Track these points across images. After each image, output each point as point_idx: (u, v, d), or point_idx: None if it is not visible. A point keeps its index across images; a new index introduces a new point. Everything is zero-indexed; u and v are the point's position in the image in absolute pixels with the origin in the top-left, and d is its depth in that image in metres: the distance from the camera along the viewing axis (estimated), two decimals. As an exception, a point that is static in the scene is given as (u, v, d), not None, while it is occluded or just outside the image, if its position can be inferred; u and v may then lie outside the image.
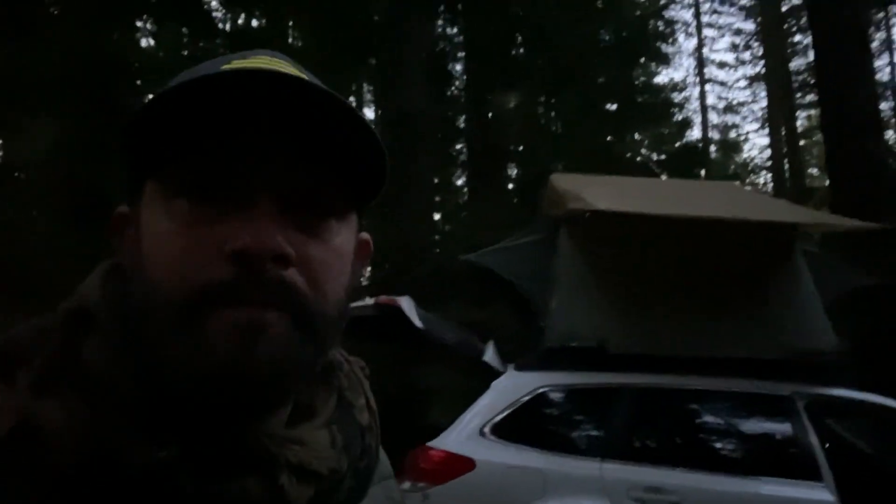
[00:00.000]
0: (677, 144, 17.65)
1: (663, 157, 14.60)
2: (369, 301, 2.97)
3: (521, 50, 12.02)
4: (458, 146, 11.83)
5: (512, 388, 2.94)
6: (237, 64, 0.47)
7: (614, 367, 2.97)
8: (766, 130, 19.19)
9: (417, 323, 2.83)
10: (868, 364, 3.45)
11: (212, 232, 0.44)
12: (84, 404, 0.43)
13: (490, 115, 11.09)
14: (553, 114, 13.02)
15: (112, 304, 0.48)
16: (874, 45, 15.81)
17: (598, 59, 12.79)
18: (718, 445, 3.06)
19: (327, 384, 0.53)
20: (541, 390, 2.92)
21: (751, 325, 3.00)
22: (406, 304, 2.91)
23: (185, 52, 7.57)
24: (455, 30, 11.58)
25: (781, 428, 2.92)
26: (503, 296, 3.65)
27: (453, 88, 11.78)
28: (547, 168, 9.47)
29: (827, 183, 7.83)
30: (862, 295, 3.42)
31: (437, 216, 11.14)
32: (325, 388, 0.53)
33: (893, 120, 13.19)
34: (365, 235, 0.53)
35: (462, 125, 11.69)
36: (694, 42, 20.88)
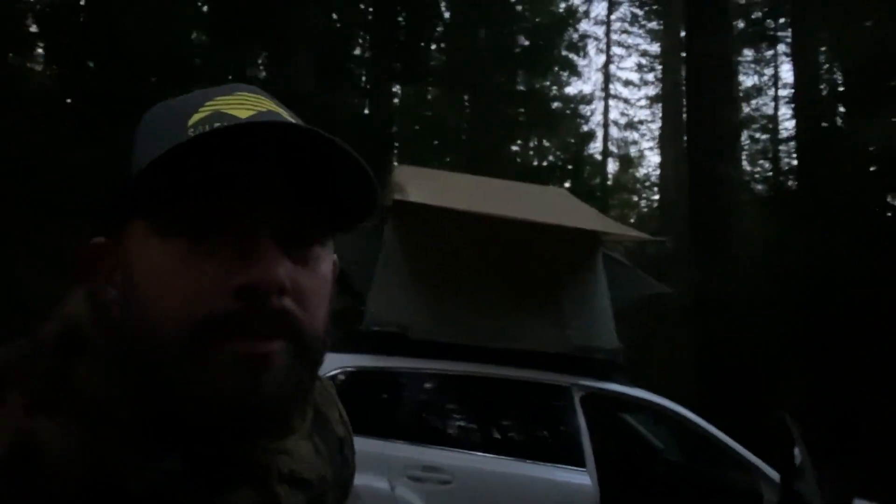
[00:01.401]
0: (585, 152, 18.43)
1: (559, 163, 15.12)
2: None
3: (425, 45, 12.12)
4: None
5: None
6: (220, 102, 0.50)
7: (415, 354, 3.11)
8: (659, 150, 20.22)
9: None
10: (647, 364, 3.75)
11: (213, 268, 0.45)
12: (80, 424, 0.44)
13: (383, 106, 11.12)
14: (449, 111, 13.14)
15: (101, 330, 0.49)
16: (762, 78, 17.08)
17: (505, 62, 13.10)
18: (496, 429, 3.27)
19: (304, 401, 0.55)
20: (337, 371, 3.00)
21: (543, 322, 3.22)
22: None
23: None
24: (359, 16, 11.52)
25: (556, 416, 3.16)
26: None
27: (360, 77, 11.74)
28: (433, 164, 9.64)
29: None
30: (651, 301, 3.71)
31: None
32: (302, 404, 0.55)
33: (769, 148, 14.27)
34: (335, 256, 0.55)
35: (362, 113, 11.68)
36: (603, 58, 21.75)
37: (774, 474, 3.01)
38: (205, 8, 9.53)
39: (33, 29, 7.38)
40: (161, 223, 0.47)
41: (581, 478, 2.94)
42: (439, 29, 12.08)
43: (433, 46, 12.60)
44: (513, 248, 3.29)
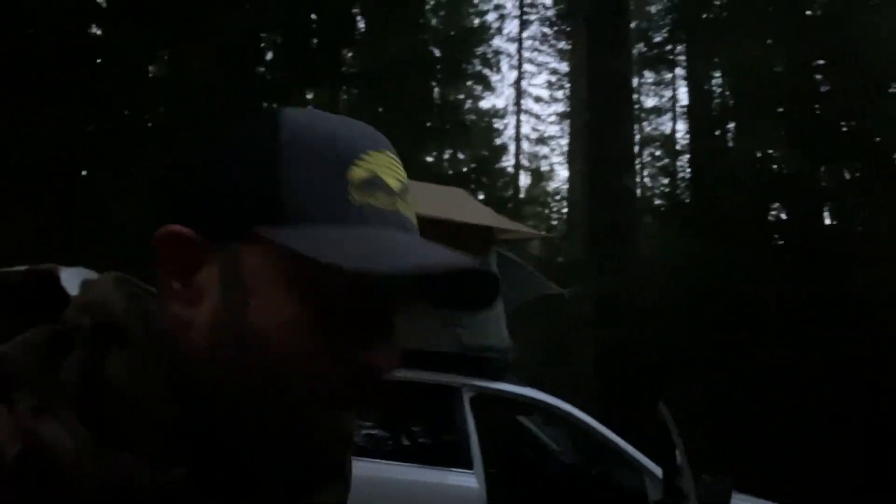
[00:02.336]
0: (498, 165, 18.72)
1: (472, 174, 15.25)
2: (21, 268, 2.64)
3: (338, 49, 11.93)
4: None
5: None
6: (375, 162, 0.48)
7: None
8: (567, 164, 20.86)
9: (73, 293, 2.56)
10: (554, 367, 3.74)
11: (345, 338, 0.46)
12: (88, 426, 0.43)
13: (289, 105, 10.81)
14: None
15: (142, 326, 0.47)
16: (662, 99, 17.99)
17: (419, 71, 13.10)
18: (380, 433, 3.13)
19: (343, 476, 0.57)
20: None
21: (433, 321, 3.12)
22: (68, 274, 2.62)
23: None
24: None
25: (445, 418, 3.06)
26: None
27: (270, 80, 11.36)
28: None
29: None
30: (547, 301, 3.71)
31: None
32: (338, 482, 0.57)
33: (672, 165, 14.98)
34: None
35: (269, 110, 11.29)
36: (515, 74, 22.26)
37: (659, 472, 3.03)
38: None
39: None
40: (299, 269, 0.44)
41: (468, 480, 2.85)
42: (354, 34, 11.93)
43: (347, 52, 12.44)
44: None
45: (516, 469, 3.50)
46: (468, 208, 3.60)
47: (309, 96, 13.39)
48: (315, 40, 10.74)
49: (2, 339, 0.47)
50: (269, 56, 11.79)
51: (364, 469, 2.80)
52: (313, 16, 11.05)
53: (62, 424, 0.43)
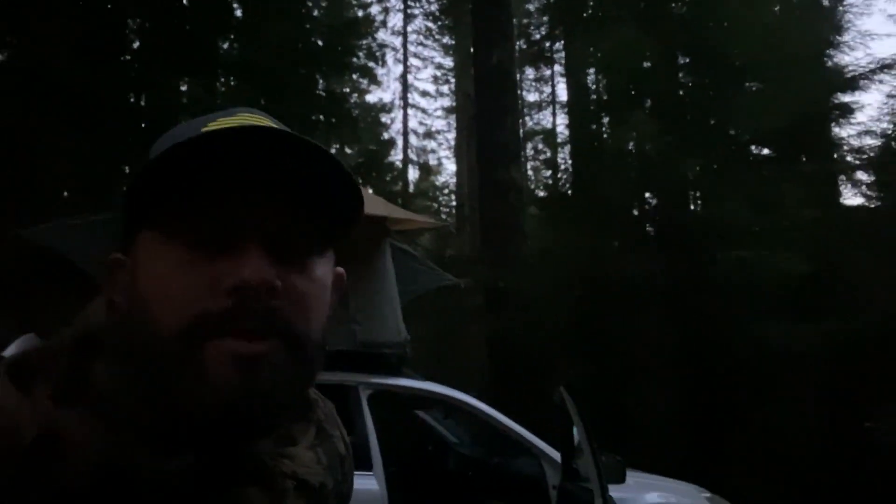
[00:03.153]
0: (387, 159, 18.58)
1: (360, 168, 15.01)
2: None
3: (214, 37, 11.29)
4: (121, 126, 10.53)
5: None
6: (221, 123, 0.52)
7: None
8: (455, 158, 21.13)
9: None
10: (447, 359, 3.71)
11: (207, 271, 0.48)
12: (98, 419, 0.47)
13: (165, 100, 10.10)
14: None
15: (113, 333, 0.52)
16: (542, 95, 18.61)
17: (301, 61, 12.67)
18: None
19: (306, 418, 0.60)
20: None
21: (328, 319, 2.98)
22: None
23: None
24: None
25: (343, 419, 2.93)
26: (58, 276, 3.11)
27: (128, 62, 10.52)
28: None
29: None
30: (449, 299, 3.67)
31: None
32: (303, 422, 0.59)
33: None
34: (339, 269, 0.58)
35: (137, 104, 10.49)
36: (401, 68, 22.18)
37: (557, 456, 3.08)
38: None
39: None
40: (163, 232, 0.50)
41: (367, 482, 2.74)
42: (230, 20, 11.32)
43: (224, 41, 11.81)
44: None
45: (416, 465, 3.43)
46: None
47: (183, 88, 12.59)
48: (188, 27, 10.08)
49: None
50: (136, 45, 10.96)
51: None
52: (185, 1, 10.39)
53: (76, 415, 0.47)
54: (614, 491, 2.83)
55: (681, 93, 8.34)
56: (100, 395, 0.49)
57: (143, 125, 9.96)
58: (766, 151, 8.53)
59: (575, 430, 2.76)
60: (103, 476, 0.46)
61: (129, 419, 0.48)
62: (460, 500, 3.61)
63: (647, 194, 9.01)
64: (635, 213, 9.13)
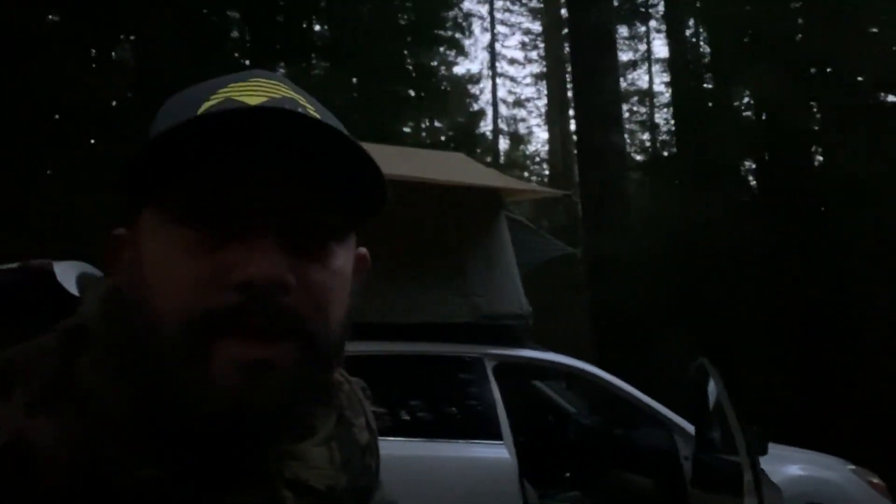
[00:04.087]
0: (477, 130, 18.53)
1: (451, 142, 15.05)
2: (13, 265, 2.47)
3: (307, 22, 11.57)
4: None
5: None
6: (234, 89, 0.48)
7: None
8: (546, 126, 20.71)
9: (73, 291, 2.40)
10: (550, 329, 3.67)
11: (215, 259, 0.44)
12: (77, 422, 0.44)
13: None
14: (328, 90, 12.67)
15: (111, 324, 0.48)
16: (637, 54, 17.85)
17: (390, 38, 12.78)
18: (408, 410, 3.03)
19: (327, 404, 0.54)
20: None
21: (448, 291, 3.00)
22: (63, 268, 2.45)
23: None
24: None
25: (469, 390, 2.97)
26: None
27: (230, 52, 10.99)
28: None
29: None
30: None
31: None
32: (324, 408, 0.54)
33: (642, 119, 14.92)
34: (362, 250, 0.54)
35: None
36: (488, 37, 21.89)
37: (689, 427, 2.99)
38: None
39: None
40: (169, 211, 0.46)
41: (499, 451, 2.77)
42: (320, 4, 11.56)
43: (315, 25, 12.08)
44: (410, 212, 3.03)
45: (540, 436, 3.43)
46: (471, 171, 3.46)
47: (280, 73, 13.03)
48: (281, 16, 10.38)
49: (2, 340, 0.48)
50: (235, 34, 11.41)
51: (392, 448, 2.71)
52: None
53: (52, 422, 0.43)
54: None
55: (798, 38, 7.71)
56: (82, 395, 0.45)
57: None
58: (892, 98, 7.78)
59: (711, 399, 2.65)
60: (78, 484, 0.42)
61: (112, 420, 0.44)
62: (586, 469, 3.59)
63: (761, 152, 8.48)
64: (743, 173, 8.62)
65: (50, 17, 8.56)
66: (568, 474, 3.62)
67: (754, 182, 8.86)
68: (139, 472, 0.43)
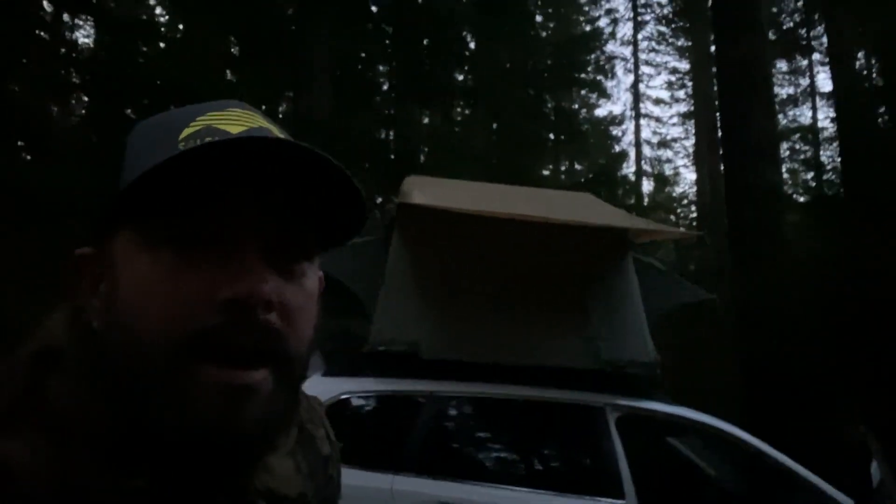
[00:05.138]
0: (619, 172, 18.12)
1: (590, 182, 14.78)
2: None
3: (449, 68, 12.02)
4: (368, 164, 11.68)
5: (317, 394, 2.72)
6: (213, 118, 0.49)
7: (427, 375, 2.79)
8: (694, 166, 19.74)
9: None
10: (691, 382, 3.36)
11: (200, 281, 0.44)
12: (50, 442, 0.43)
13: (409, 131, 10.99)
14: (468, 133, 13.00)
15: (80, 344, 0.48)
16: (798, 89, 16.57)
17: (529, 81, 12.94)
18: (521, 458, 2.89)
19: (288, 421, 0.55)
20: (343, 396, 2.70)
21: (570, 334, 2.87)
22: None
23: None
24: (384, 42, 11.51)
25: (589, 441, 2.78)
26: (338, 300, 3.44)
27: (379, 102, 11.68)
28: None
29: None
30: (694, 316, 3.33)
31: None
32: (286, 424, 0.54)
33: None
34: (320, 273, 0.54)
35: (386, 139, 11.57)
36: (632, 78, 21.46)
37: (846, 501, 2.58)
38: (234, 49, 9.65)
39: (75, 79, 7.54)
40: (150, 234, 0.46)
41: (620, 511, 2.55)
42: (464, 52, 12.00)
43: (457, 71, 12.54)
44: (533, 253, 2.96)
45: (670, 497, 3.13)
46: (598, 211, 3.33)
47: (425, 121, 13.61)
48: (427, 63, 10.88)
49: None
50: (385, 86, 12.12)
51: (505, 498, 2.60)
52: (425, 41, 11.21)
53: (22, 442, 0.43)
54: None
55: None
56: (53, 415, 0.45)
57: (391, 157, 10.97)
58: None
59: (874, 473, 2.28)
60: (58, 501, 0.42)
61: (86, 439, 0.44)
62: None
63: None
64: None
65: (227, 75, 9.67)
66: (704, 544, 3.27)
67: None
68: (117, 487, 0.43)
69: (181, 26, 10.41)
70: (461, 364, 2.80)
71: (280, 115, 10.58)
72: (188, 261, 0.45)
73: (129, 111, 7.45)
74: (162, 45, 8.76)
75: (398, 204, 2.96)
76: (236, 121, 0.50)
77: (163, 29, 10.27)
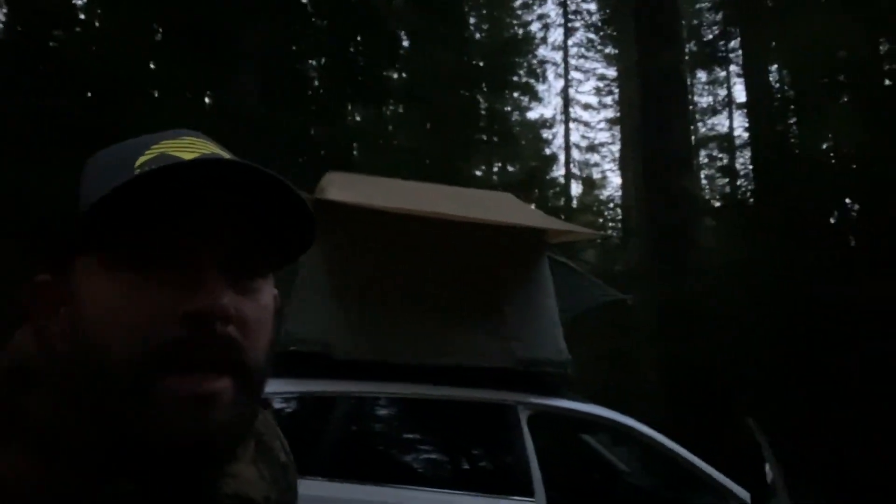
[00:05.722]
0: (549, 175, 18.45)
1: (521, 183, 14.98)
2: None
3: (383, 67, 11.93)
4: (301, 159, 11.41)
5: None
6: (167, 145, 0.52)
7: (339, 375, 2.72)
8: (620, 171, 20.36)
9: None
10: (616, 382, 3.44)
11: (160, 297, 0.47)
12: (36, 455, 0.46)
13: (339, 128, 10.83)
14: (401, 133, 12.95)
15: (49, 363, 0.50)
16: (717, 98, 17.35)
17: (464, 83, 13.00)
18: (433, 458, 2.88)
19: (248, 431, 0.56)
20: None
21: (484, 334, 2.87)
22: None
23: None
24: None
25: (500, 440, 2.79)
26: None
27: (310, 97, 11.45)
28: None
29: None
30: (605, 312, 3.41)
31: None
32: (245, 434, 0.56)
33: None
34: (275, 290, 0.56)
35: (316, 135, 11.36)
36: (562, 83, 21.93)
37: (745, 494, 2.69)
38: (157, 35, 9.23)
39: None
40: (109, 257, 0.48)
41: (529, 509, 2.57)
42: (398, 52, 11.92)
43: (391, 69, 12.46)
44: (448, 252, 2.95)
45: (582, 493, 3.17)
46: (516, 211, 3.35)
47: (358, 118, 13.46)
48: (361, 60, 10.75)
49: None
50: (316, 82, 11.90)
51: (414, 499, 2.57)
52: (359, 37, 11.08)
53: (8, 454, 0.45)
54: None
55: (886, 83, 7.22)
56: (35, 430, 0.47)
57: (321, 153, 10.77)
58: None
59: (767, 467, 2.38)
60: None
61: (67, 451, 0.47)
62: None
63: (848, 200, 7.91)
64: (832, 221, 8.04)
65: (151, 65, 9.26)
66: (613, 539, 3.34)
67: (844, 232, 8.25)
68: (106, 494, 0.45)
69: (99, 11, 9.90)
70: (375, 364, 2.75)
71: (206, 107, 10.22)
72: (149, 280, 0.47)
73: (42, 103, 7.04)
74: (78, 29, 8.30)
75: (314, 200, 2.88)
76: (189, 147, 0.52)
77: (81, 15, 9.73)
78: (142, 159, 0.50)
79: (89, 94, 7.52)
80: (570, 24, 20.47)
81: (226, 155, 0.53)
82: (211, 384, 0.47)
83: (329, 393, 2.68)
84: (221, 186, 0.49)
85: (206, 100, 10.72)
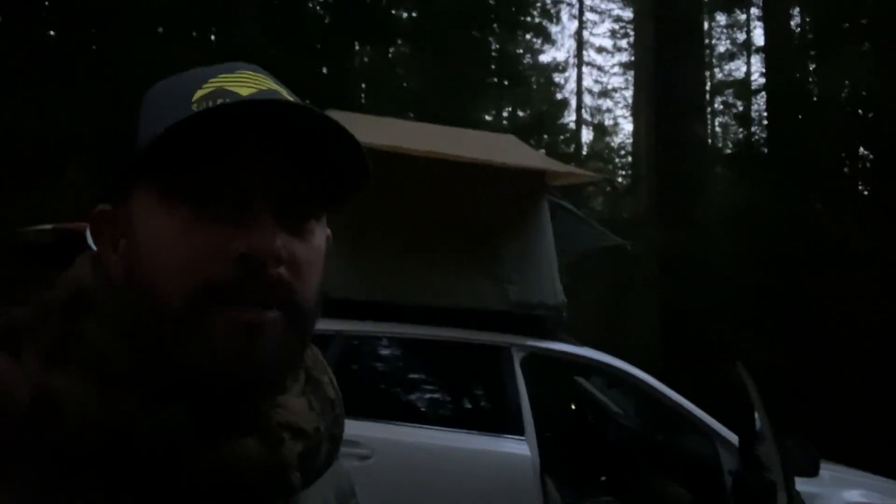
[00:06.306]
0: (560, 120, 18.13)
1: (530, 127, 14.72)
2: (47, 227, 2.56)
3: (389, 4, 11.59)
4: (308, 100, 11.22)
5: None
6: (224, 79, 0.53)
7: (332, 314, 2.74)
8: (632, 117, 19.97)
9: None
10: (616, 327, 3.45)
11: (214, 235, 0.48)
12: (93, 379, 0.48)
13: (344, 67, 10.62)
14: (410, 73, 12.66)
15: (105, 292, 0.52)
16: (735, 43, 16.81)
17: (474, 21, 12.64)
18: (423, 397, 2.93)
19: (297, 366, 0.59)
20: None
21: (480, 276, 2.87)
22: None
23: None
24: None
25: (493, 380, 2.82)
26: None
27: (315, 36, 11.19)
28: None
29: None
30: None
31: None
32: (294, 369, 0.58)
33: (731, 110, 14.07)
34: (328, 231, 0.57)
35: (322, 74, 11.15)
36: (576, 24, 21.29)
37: (734, 438, 2.73)
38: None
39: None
40: (166, 192, 0.49)
41: (519, 447, 2.63)
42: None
43: (399, 8, 12.11)
44: (448, 193, 2.91)
45: (574, 434, 3.23)
46: (517, 153, 3.29)
47: (366, 59, 13.16)
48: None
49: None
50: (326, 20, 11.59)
51: (408, 435, 2.62)
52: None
53: (67, 376, 0.47)
54: (806, 485, 2.44)
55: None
56: (92, 355, 0.49)
57: (328, 94, 10.59)
58: None
59: (756, 412, 2.40)
60: (101, 433, 0.46)
61: (124, 377, 0.48)
62: (623, 474, 3.37)
63: (862, 150, 7.75)
64: (846, 170, 7.90)
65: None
66: (603, 478, 3.42)
67: (855, 181, 8.11)
68: (159, 420, 0.47)
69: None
70: (368, 303, 2.76)
71: (213, 45, 10.03)
72: (203, 216, 0.48)
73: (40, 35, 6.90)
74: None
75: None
76: (246, 82, 0.52)
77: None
78: (199, 94, 0.51)
79: (93, 31, 7.39)
80: (586, -38, 19.70)
81: (283, 91, 0.53)
82: (261, 315, 0.48)
83: (324, 331, 2.70)
84: (277, 125, 0.50)
85: (212, 37, 10.49)
